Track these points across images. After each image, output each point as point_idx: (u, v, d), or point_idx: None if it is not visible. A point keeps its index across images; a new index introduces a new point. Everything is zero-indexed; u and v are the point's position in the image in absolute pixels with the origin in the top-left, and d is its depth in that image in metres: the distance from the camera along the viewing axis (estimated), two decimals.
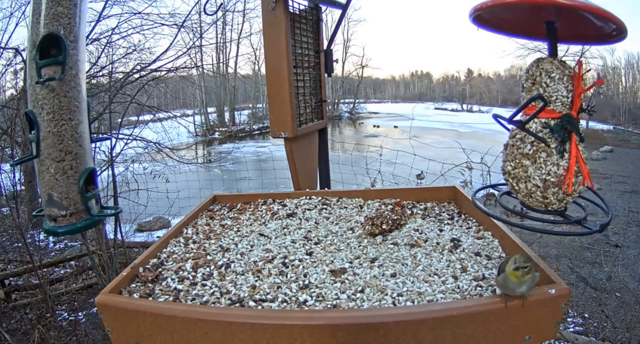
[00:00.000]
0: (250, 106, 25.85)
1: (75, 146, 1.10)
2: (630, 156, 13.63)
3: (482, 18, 0.94)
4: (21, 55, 4.39)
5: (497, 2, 0.82)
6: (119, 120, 4.82)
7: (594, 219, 0.92)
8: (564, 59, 0.91)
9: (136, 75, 4.90)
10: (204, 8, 1.92)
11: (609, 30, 0.85)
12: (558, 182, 0.86)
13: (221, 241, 1.18)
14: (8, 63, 5.01)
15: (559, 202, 0.88)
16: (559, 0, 0.76)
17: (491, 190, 1.17)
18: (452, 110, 38.19)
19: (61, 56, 1.06)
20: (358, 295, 0.87)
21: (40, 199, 1.13)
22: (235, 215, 1.41)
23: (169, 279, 0.98)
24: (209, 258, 1.08)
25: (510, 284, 0.74)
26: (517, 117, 0.88)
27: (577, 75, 0.88)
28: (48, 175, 1.08)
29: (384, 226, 1.16)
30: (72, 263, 4.52)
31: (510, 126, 0.93)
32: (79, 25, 1.10)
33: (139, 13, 5.15)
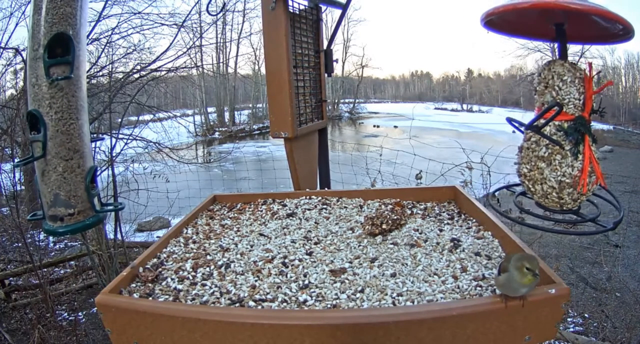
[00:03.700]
0: (250, 106, 25.86)
1: (82, 144, 1.12)
2: (630, 156, 13.62)
3: (493, 22, 0.95)
4: (21, 55, 4.39)
5: (509, 7, 0.82)
6: (119, 120, 4.82)
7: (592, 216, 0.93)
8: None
9: (136, 75, 4.91)
10: (207, 8, 1.92)
11: (616, 30, 0.85)
12: (573, 183, 0.87)
13: (221, 241, 1.18)
14: (8, 63, 5.02)
15: (573, 202, 0.90)
16: (569, 5, 0.77)
17: (491, 190, 1.18)
18: (452, 110, 38.17)
19: (70, 56, 1.07)
20: (358, 295, 0.87)
21: (41, 200, 1.13)
22: (235, 215, 1.41)
23: (169, 279, 0.98)
24: (208, 257, 1.08)
25: (514, 284, 0.74)
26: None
27: (588, 77, 0.89)
28: (55, 174, 1.09)
29: (384, 226, 1.16)
30: (72, 263, 4.52)
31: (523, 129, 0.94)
32: (82, 25, 1.11)
33: (139, 13, 5.16)
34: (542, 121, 0.88)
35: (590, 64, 0.89)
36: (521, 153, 0.95)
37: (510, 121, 0.92)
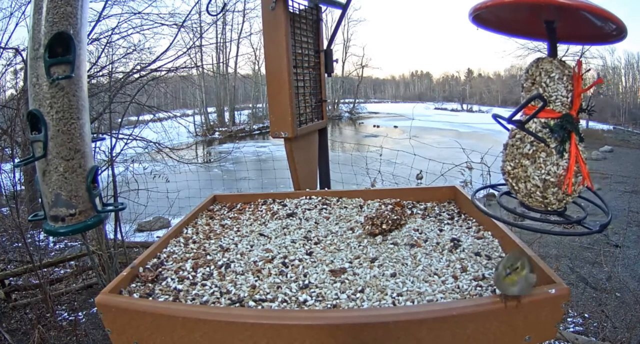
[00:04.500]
0: (250, 106, 25.85)
1: (83, 144, 1.12)
2: (630, 156, 13.63)
3: (482, 18, 0.94)
4: (21, 55, 4.39)
5: (496, 1, 0.82)
6: (119, 120, 4.82)
7: (593, 219, 0.92)
8: (564, 59, 0.91)
9: (136, 75, 4.91)
10: (207, 8, 1.92)
11: (609, 30, 0.85)
12: (558, 182, 0.86)
13: (221, 241, 1.18)
14: (8, 63, 5.02)
15: (558, 203, 0.88)
16: None
17: (491, 190, 1.17)
18: (452, 110, 38.18)
19: (70, 55, 1.07)
20: (358, 295, 0.87)
21: (41, 200, 1.13)
22: (235, 215, 1.41)
23: (169, 279, 0.98)
24: (208, 257, 1.08)
25: (502, 285, 0.75)
26: (517, 117, 0.88)
27: (577, 75, 0.88)
28: (56, 174, 1.09)
29: (384, 226, 1.16)
30: (72, 263, 4.52)
31: (509, 126, 0.93)
32: (83, 25, 1.11)
33: (139, 13, 5.16)
34: (526, 116, 0.87)
35: (579, 62, 0.88)
36: (505, 150, 0.95)
37: (496, 117, 0.91)
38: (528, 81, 0.91)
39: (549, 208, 0.90)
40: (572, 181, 0.85)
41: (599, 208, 0.95)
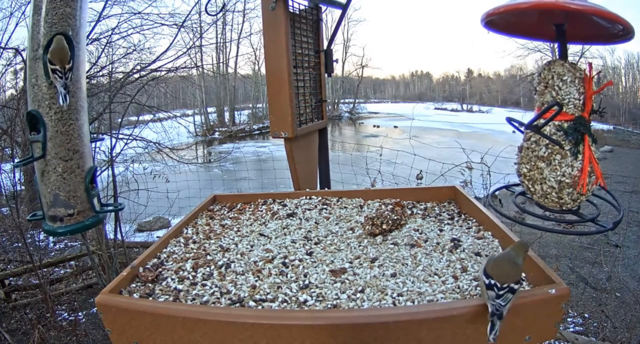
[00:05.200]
0: (250, 106, 25.85)
1: (82, 145, 1.12)
2: (630, 156, 13.63)
3: (493, 22, 0.95)
4: (21, 55, 4.39)
5: (509, 7, 0.83)
6: (119, 120, 4.82)
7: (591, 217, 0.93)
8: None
9: (136, 75, 4.91)
10: (206, 8, 1.92)
11: (616, 30, 0.86)
12: (572, 183, 0.87)
13: (221, 241, 1.18)
14: (8, 63, 5.01)
15: (573, 202, 0.90)
16: (569, 5, 0.77)
17: (492, 190, 1.18)
18: (452, 110, 38.15)
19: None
20: (358, 295, 0.87)
21: (40, 201, 1.14)
22: (235, 215, 1.41)
23: (169, 279, 0.98)
24: (209, 258, 1.08)
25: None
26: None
27: (588, 77, 0.89)
28: (55, 175, 1.09)
29: (384, 226, 1.16)
30: (72, 263, 4.52)
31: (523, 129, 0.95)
32: (82, 26, 1.11)
33: (139, 13, 5.16)
34: (541, 120, 0.88)
35: (590, 64, 0.89)
36: (521, 153, 0.95)
37: (510, 120, 0.92)
38: (541, 85, 0.92)
39: (564, 208, 0.91)
40: (586, 181, 0.87)
41: (612, 205, 0.97)
